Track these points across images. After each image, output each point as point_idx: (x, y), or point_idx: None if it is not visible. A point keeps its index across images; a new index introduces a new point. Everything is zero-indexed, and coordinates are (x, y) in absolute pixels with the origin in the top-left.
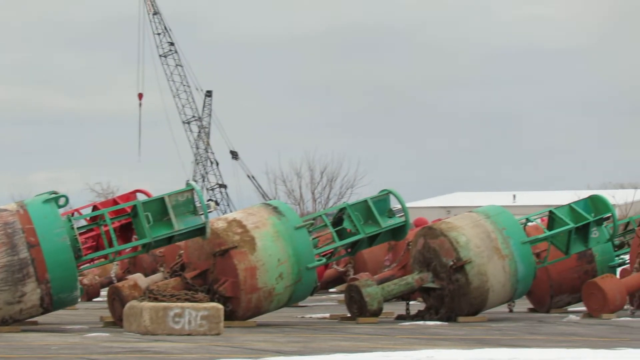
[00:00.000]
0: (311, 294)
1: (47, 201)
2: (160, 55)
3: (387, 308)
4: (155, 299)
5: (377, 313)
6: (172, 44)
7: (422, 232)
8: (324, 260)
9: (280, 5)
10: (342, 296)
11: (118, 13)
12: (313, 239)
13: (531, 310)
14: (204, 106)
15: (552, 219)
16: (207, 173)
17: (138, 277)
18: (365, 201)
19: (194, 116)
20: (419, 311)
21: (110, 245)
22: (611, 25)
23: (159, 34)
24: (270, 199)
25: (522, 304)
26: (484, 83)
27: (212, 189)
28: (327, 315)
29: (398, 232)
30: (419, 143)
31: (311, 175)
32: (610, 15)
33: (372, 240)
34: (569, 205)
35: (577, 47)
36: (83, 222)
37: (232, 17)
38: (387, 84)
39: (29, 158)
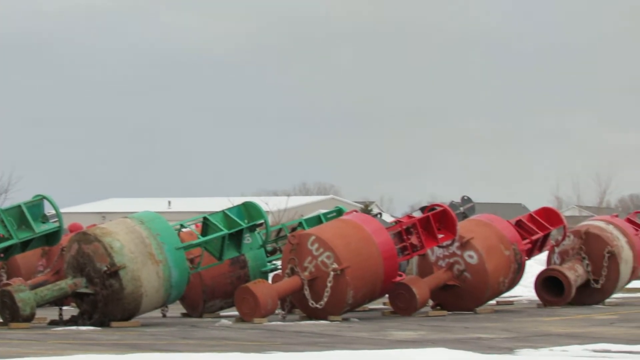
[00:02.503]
0: None
1: None
2: None
3: (41, 313)
4: None
5: (29, 318)
6: None
7: (77, 237)
8: None
9: None
10: None
11: None
12: None
13: (185, 315)
14: None
15: (206, 225)
16: None
17: None
18: (19, 206)
19: None
20: (73, 316)
21: None
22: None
23: None
24: None
25: (176, 309)
26: (130, 90)
27: None
28: None
29: (52, 237)
30: (75, 149)
31: None
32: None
33: (25, 245)
34: (223, 211)
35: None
36: None
37: None
38: (42, 88)
39: None
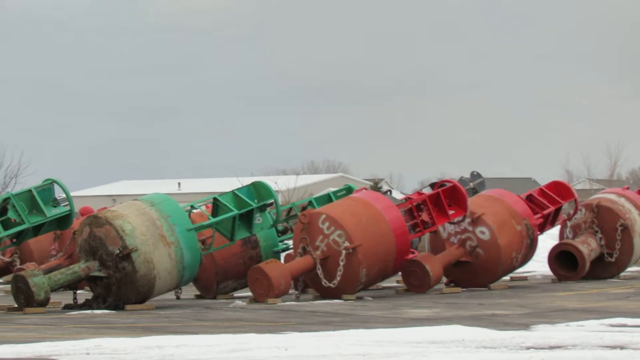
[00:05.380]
0: None
1: None
2: None
3: (55, 297)
4: None
5: (44, 303)
6: None
7: (88, 220)
8: None
9: None
10: (8, 287)
11: None
12: None
13: (198, 297)
14: None
15: (217, 205)
16: None
17: None
18: (30, 191)
19: None
20: (87, 300)
21: None
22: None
23: None
24: None
25: (189, 291)
26: (137, 72)
27: None
28: None
29: (63, 221)
30: (84, 132)
31: None
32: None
33: (37, 229)
34: (233, 192)
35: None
36: None
37: None
38: (48, 73)
39: None
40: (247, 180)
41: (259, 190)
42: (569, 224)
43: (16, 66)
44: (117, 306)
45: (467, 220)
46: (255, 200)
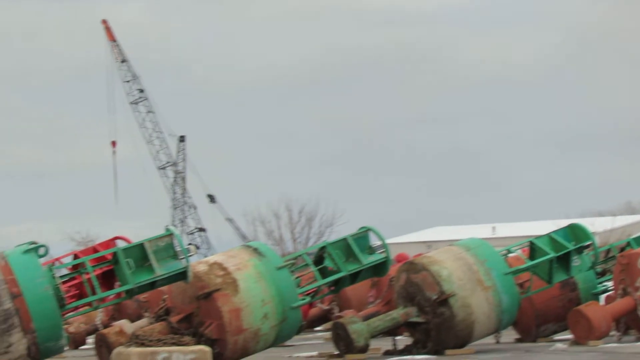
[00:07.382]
0: (297, 333)
1: (27, 251)
2: (130, 103)
3: (374, 344)
4: (142, 344)
5: (364, 349)
6: (141, 90)
7: (404, 267)
8: (308, 299)
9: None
10: (328, 334)
11: (86, 62)
12: (295, 278)
13: (518, 341)
14: (178, 151)
15: (533, 249)
16: (185, 217)
17: (124, 324)
18: (345, 239)
19: (168, 161)
20: (407, 346)
21: (94, 292)
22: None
23: (128, 81)
24: (250, 241)
25: (509, 335)
26: (454, 118)
27: (192, 233)
28: (315, 353)
29: (380, 268)
30: (397, 179)
31: (289, 216)
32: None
33: (354, 277)
34: (549, 235)
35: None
36: (64, 271)
37: (202, 61)
38: (360, 121)
39: (6, 210)
40: (563, 223)
41: (575, 232)
42: None
43: (334, 119)
44: (437, 351)
45: None
46: (572, 243)
